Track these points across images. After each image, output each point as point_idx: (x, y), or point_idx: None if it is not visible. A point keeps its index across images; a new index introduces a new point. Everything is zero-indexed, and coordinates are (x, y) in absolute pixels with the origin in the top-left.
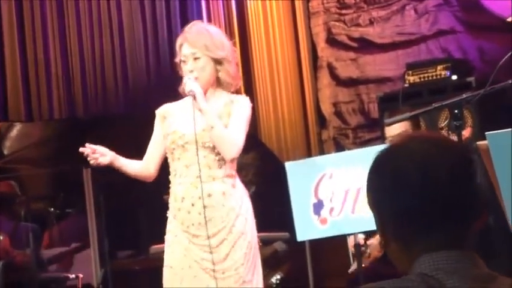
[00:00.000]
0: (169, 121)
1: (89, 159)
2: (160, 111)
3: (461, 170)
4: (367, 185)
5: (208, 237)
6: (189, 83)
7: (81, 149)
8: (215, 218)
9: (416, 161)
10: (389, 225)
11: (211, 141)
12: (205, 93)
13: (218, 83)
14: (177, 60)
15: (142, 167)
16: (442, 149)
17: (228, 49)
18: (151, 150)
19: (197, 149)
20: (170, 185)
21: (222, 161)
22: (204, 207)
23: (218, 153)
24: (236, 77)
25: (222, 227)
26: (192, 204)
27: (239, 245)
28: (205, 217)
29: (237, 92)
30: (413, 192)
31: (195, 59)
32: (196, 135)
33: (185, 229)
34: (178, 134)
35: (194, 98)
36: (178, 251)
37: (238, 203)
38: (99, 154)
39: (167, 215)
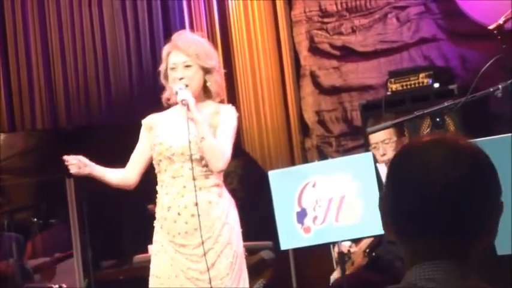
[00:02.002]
0: (155, 132)
1: (69, 167)
2: (146, 122)
3: (474, 179)
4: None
5: (203, 242)
6: (181, 93)
7: (64, 157)
8: (202, 227)
9: (428, 163)
10: (392, 223)
11: (199, 152)
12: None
13: (205, 92)
14: (161, 68)
15: (124, 176)
16: (458, 154)
17: (216, 59)
18: (134, 159)
19: (191, 160)
20: (157, 195)
21: (208, 171)
22: (193, 215)
23: (205, 165)
24: (223, 87)
25: (208, 236)
26: (179, 214)
27: (225, 254)
28: (199, 223)
29: (221, 101)
30: (418, 192)
31: (186, 66)
32: (182, 147)
33: (171, 239)
34: (165, 146)
35: (187, 107)
36: (165, 260)
37: (224, 212)
38: (80, 164)
39: (154, 224)
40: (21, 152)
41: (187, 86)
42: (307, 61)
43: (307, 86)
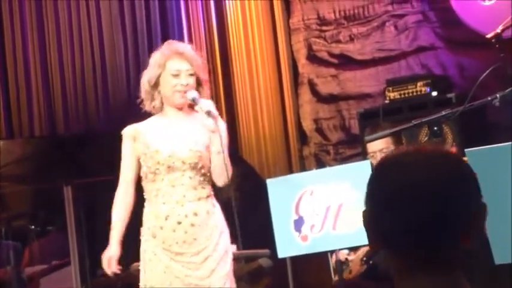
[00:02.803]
0: (144, 141)
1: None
2: (129, 132)
3: (453, 185)
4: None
5: (201, 252)
6: (204, 103)
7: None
8: (200, 237)
9: (406, 174)
10: (377, 238)
11: (200, 161)
12: (182, 108)
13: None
14: (152, 74)
15: (130, 198)
16: (435, 164)
17: (207, 74)
18: (131, 176)
19: (197, 167)
20: (147, 205)
21: (205, 181)
22: (193, 225)
23: (203, 174)
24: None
25: (206, 245)
26: (178, 223)
27: (224, 261)
28: (195, 232)
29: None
30: (399, 206)
31: (190, 75)
32: (185, 156)
33: (166, 247)
34: (164, 154)
35: (214, 119)
36: (158, 269)
37: (219, 221)
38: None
39: (142, 234)
40: (19, 159)
41: (186, 93)
42: (305, 69)
43: (305, 94)
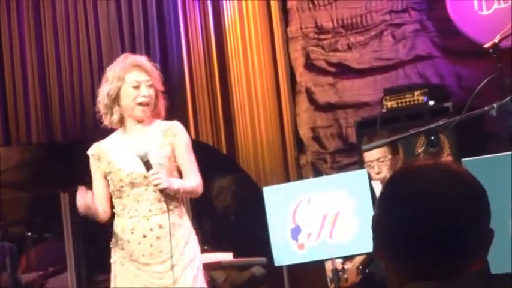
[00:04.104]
0: (107, 159)
1: (79, 198)
2: (93, 152)
3: (468, 206)
4: (377, 203)
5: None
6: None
7: (80, 189)
8: (167, 248)
9: (425, 187)
10: (385, 243)
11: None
12: (143, 120)
13: (154, 113)
14: (111, 88)
15: (105, 214)
16: (457, 180)
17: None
18: (103, 195)
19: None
20: (115, 218)
21: (171, 194)
22: (159, 238)
23: None
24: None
25: (172, 254)
26: (144, 236)
27: (189, 269)
28: (168, 245)
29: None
30: (414, 215)
31: (149, 86)
32: (144, 172)
33: (134, 259)
34: (125, 172)
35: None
36: (127, 277)
37: (187, 231)
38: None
39: (110, 246)
40: (17, 165)
41: (148, 104)
42: (303, 77)
43: (303, 103)
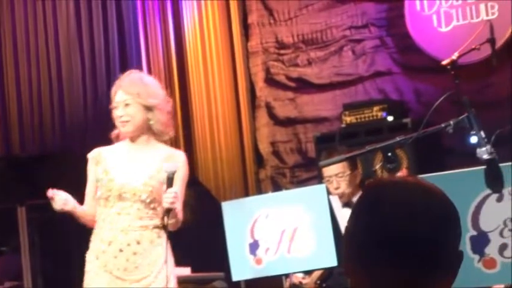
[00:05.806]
0: (104, 167)
1: (54, 202)
2: (93, 156)
3: (445, 222)
4: (351, 215)
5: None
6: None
7: (50, 191)
8: (142, 265)
9: (403, 198)
10: (358, 253)
11: (150, 196)
12: (136, 138)
13: (151, 131)
14: (111, 106)
15: (92, 215)
16: (434, 197)
17: (160, 98)
18: (93, 197)
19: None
20: (95, 227)
21: (154, 214)
22: (135, 253)
23: (152, 208)
24: (168, 125)
25: (148, 274)
26: (120, 250)
27: None
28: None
29: (171, 142)
30: (391, 225)
31: (126, 105)
32: (135, 188)
33: (108, 270)
34: (117, 184)
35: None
36: (102, 283)
37: (164, 250)
38: (67, 201)
39: (86, 255)
40: None
41: (128, 121)
42: (263, 92)
43: (263, 117)
